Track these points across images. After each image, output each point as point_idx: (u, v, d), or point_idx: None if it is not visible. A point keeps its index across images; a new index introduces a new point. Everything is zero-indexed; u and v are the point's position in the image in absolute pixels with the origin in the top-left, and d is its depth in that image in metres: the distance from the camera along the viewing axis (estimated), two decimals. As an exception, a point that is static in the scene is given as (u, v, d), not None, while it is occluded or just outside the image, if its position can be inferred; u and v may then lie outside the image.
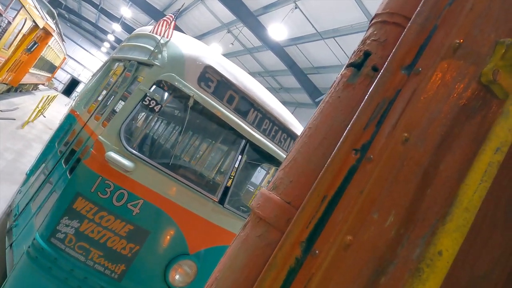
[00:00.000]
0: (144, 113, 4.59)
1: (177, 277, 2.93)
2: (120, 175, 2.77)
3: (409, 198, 0.59)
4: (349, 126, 0.64)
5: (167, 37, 3.34)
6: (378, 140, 0.61)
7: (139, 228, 2.80)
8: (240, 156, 3.25)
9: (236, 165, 3.27)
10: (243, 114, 3.30)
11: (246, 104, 3.35)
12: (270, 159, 3.64)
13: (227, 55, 17.50)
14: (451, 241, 0.48)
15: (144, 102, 2.93)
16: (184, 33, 14.94)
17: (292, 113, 4.25)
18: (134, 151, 2.83)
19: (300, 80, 14.48)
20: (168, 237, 2.92)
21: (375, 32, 0.79)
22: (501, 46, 0.63)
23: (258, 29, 13.05)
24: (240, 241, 0.82)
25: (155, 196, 2.84)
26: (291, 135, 3.64)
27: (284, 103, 17.52)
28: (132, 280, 2.81)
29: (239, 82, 3.32)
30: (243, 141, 3.23)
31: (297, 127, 3.85)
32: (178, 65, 3.10)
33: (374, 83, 0.65)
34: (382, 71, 0.65)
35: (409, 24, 0.66)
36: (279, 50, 13.70)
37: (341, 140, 0.63)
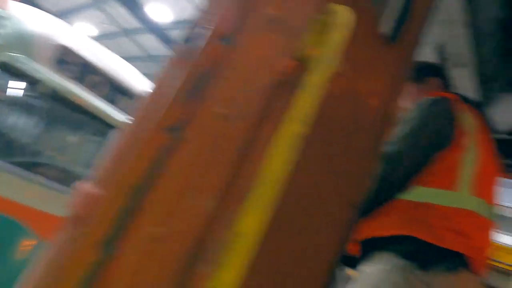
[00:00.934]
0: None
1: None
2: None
3: (227, 178, 0.55)
4: (164, 103, 0.56)
5: (5, 9, 2.72)
6: (196, 117, 0.56)
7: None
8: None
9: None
10: (110, 101, 2.97)
11: (114, 90, 3.02)
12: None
13: (100, 37, 15.60)
14: (251, 220, 0.46)
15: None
16: (41, 8, 12.70)
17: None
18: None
19: (185, 67, 13.99)
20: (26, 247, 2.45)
21: (201, 5, 0.73)
22: (312, 21, 0.64)
23: (135, 8, 11.97)
24: (53, 243, 0.68)
25: (8, 203, 2.34)
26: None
27: (170, 90, 16.66)
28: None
29: (104, 65, 2.96)
30: (111, 129, 2.92)
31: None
32: (24, 44, 2.57)
33: (193, 57, 0.59)
34: (201, 43, 0.59)
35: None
36: (161, 34, 12.92)
37: (153, 119, 0.55)
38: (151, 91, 0.72)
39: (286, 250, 0.70)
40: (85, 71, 2.87)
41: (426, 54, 2.32)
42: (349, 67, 0.77)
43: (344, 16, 0.56)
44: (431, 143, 1.35)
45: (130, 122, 0.70)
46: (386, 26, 0.89)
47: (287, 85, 0.61)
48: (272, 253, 0.64)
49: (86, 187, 0.70)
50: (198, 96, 0.57)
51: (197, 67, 0.58)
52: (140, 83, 3.28)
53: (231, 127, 0.57)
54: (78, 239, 0.58)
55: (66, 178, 3.54)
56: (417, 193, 1.30)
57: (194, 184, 0.54)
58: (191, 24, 0.73)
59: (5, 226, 2.37)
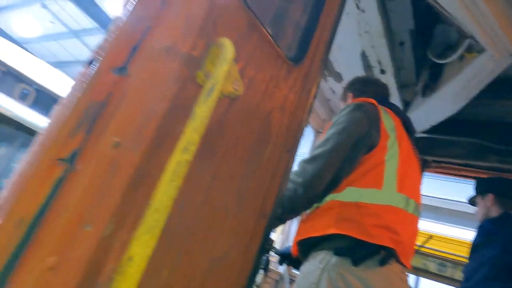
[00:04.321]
0: None
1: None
2: None
3: (123, 206, 0.58)
4: (54, 134, 0.57)
5: None
6: (88, 147, 0.57)
7: None
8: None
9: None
10: (41, 112, 2.81)
11: (46, 99, 2.86)
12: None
13: (45, 37, 14.13)
14: (141, 244, 0.49)
15: None
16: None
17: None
18: None
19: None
20: None
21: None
22: (203, 51, 0.69)
23: (88, 5, 10.85)
24: None
25: None
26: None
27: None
28: None
29: (32, 72, 2.79)
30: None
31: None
32: None
33: (85, 86, 0.60)
34: (93, 73, 0.61)
35: (121, 25, 0.64)
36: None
37: (42, 150, 0.56)
38: (50, 120, 0.72)
39: (197, 267, 0.74)
40: (12, 79, 2.70)
41: (353, 63, 2.50)
42: (252, 87, 0.84)
43: (229, 49, 0.61)
44: (356, 145, 1.43)
45: (27, 153, 0.69)
46: (289, 50, 0.98)
47: (182, 112, 0.65)
48: (180, 271, 0.68)
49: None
50: (89, 126, 0.59)
51: (88, 98, 0.60)
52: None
53: (123, 156, 0.60)
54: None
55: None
56: (347, 194, 1.38)
57: (88, 213, 0.55)
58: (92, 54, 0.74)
59: None
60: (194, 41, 0.69)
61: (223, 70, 0.60)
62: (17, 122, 2.61)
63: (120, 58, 0.62)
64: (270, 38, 0.87)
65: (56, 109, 0.64)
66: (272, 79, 0.90)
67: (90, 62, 0.71)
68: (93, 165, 0.57)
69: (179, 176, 0.53)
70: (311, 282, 1.30)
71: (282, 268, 2.97)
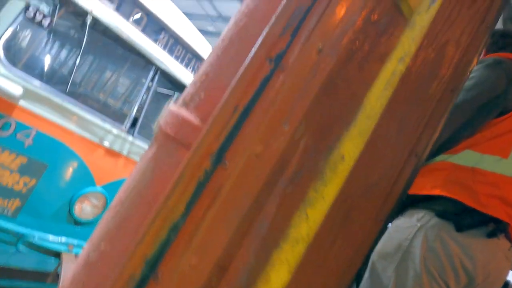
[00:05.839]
0: (30, 29, 3.81)
1: (83, 209, 2.77)
2: (2, 102, 2.34)
3: (319, 109, 0.59)
4: (264, 34, 0.59)
5: None
6: (293, 49, 0.58)
7: (33, 161, 2.49)
8: (150, 84, 3.01)
9: (145, 94, 3.04)
10: (153, 38, 2.99)
11: (157, 27, 3.02)
12: (183, 89, 3.47)
13: None
14: (353, 145, 0.51)
15: (27, 14, 2.40)
16: None
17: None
18: (20, 73, 2.38)
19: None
20: (70, 169, 2.68)
21: None
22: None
23: None
24: (147, 159, 0.76)
25: (51, 126, 2.51)
26: (206, 64, 3.48)
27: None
28: (30, 215, 2.57)
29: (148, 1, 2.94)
30: (153, 68, 2.98)
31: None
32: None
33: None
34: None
35: None
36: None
37: (255, 48, 0.58)
38: (238, 23, 0.75)
39: (355, 189, 0.76)
40: (130, 3, 2.88)
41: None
42: (438, 11, 0.76)
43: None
44: (487, 106, 1.26)
45: (220, 52, 0.74)
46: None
47: (381, 26, 0.62)
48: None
49: (176, 109, 0.76)
50: (294, 30, 0.59)
51: (294, 3, 0.59)
52: (181, 22, 3.27)
53: (324, 61, 0.60)
54: (178, 154, 0.66)
55: (104, 108, 3.70)
56: (464, 157, 1.26)
57: (289, 111, 0.58)
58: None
59: (53, 146, 2.57)
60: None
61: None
62: (130, 44, 2.84)
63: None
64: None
65: (255, 7, 0.66)
66: (456, 5, 0.81)
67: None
68: (295, 67, 0.58)
69: (392, 86, 0.52)
70: (404, 238, 1.23)
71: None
